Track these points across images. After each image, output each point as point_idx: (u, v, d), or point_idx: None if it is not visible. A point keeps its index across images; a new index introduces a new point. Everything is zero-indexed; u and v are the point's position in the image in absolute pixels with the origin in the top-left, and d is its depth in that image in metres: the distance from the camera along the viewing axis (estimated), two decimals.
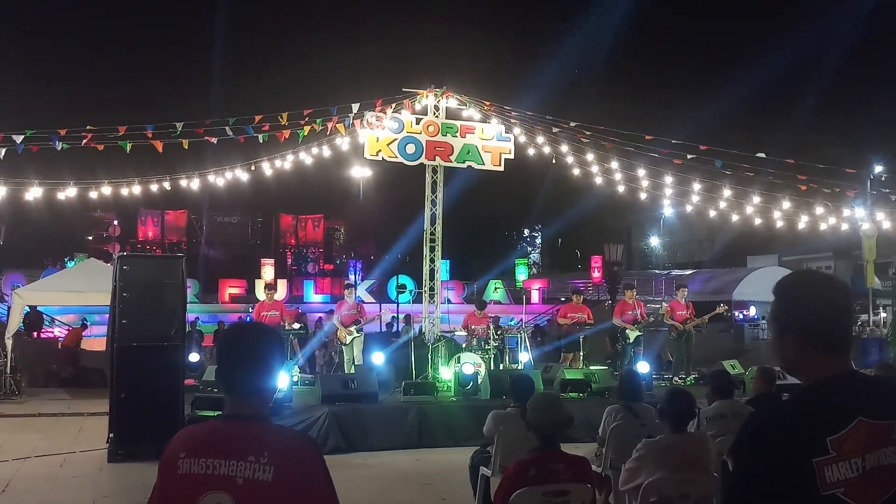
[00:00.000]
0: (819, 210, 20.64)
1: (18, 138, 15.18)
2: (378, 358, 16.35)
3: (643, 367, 16.36)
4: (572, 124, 18.57)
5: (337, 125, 17.88)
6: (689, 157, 18.62)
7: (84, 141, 16.03)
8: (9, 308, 19.89)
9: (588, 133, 18.69)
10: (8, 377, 17.46)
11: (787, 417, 2.22)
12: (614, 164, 19.59)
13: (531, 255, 63.16)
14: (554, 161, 19.49)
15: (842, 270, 34.88)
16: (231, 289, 32.42)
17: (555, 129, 18.60)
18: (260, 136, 17.45)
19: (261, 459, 2.60)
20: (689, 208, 21.52)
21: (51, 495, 9.46)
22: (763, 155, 18.87)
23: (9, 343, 17.88)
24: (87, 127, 16.03)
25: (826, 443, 2.11)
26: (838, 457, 2.11)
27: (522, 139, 18.85)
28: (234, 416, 2.74)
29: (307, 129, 17.49)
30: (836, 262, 37.53)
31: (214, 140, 17.05)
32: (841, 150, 32.64)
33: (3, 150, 15.44)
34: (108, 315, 13.10)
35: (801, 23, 54.73)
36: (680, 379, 16.85)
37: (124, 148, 16.30)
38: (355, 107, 17.39)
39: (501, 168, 18.63)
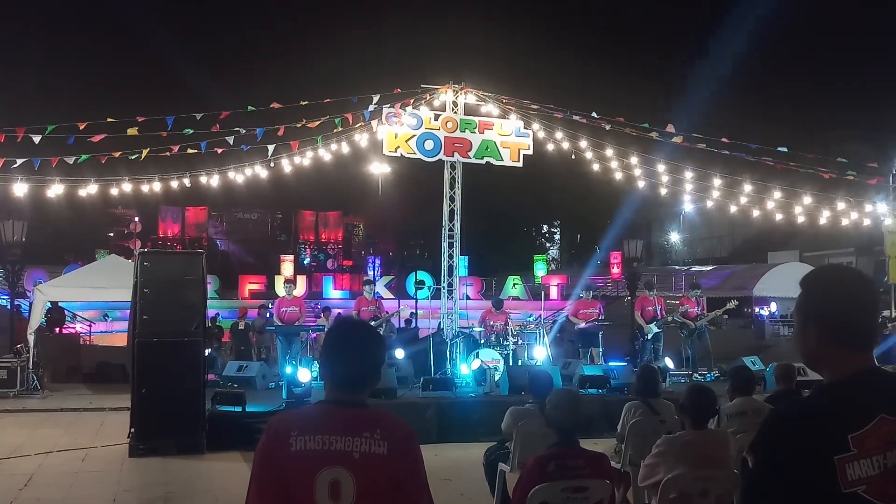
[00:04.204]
0: (841, 205, 20.49)
1: (37, 138, 15.29)
2: (398, 353, 16.39)
3: (668, 362, 16.40)
4: (594, 115, 18.50)
5: (356, 127, 17.93)
6: (709, 148, 18.55)
7: (102, 154, 16.17)
8: (31, 304, 20.05)
9: (608, 121, 18.63)
10: (30, 373, 17.63)
11: (808, 414, 2.20)
12: (634, 160, 19.52)
13: (550, 251, 63.07)
14: (573, 156, 19.43)
15: (864, 266, 34.53)
16: (251, 285, 32.56)
17: (575, 116, 18.51)
18: (270, 149, 17.50)
19: (375, 435, 2.74)
20: (709, 204, 21.41)
21: (72, 489, 9.51)
22: (785, 149, 18.73)
23: (31, 339, 18.04)
24: (108, 119, 16.11)
25: (847, 440, 2.10)
26: (860, 454, 2.09)
27: (541, 134, 18.80)
28: (338, 402, 2.85)
29: (315, 123, 17.50)
30: (857, 258, 37.17)
31: (230, 142, 17.12)
32: (862, 146, 32.32)
33: (21, 161, 15.61)
34: (129, 311, 13.17)
35: (819, 18, 54.25)
36: (700, 375, 16.79)
37: (140, 157, 16.45)
38: (375, 98, 17.42)
39: (520, 164, 18.58)
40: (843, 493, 2.08)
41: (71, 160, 15.98)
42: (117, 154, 16.40)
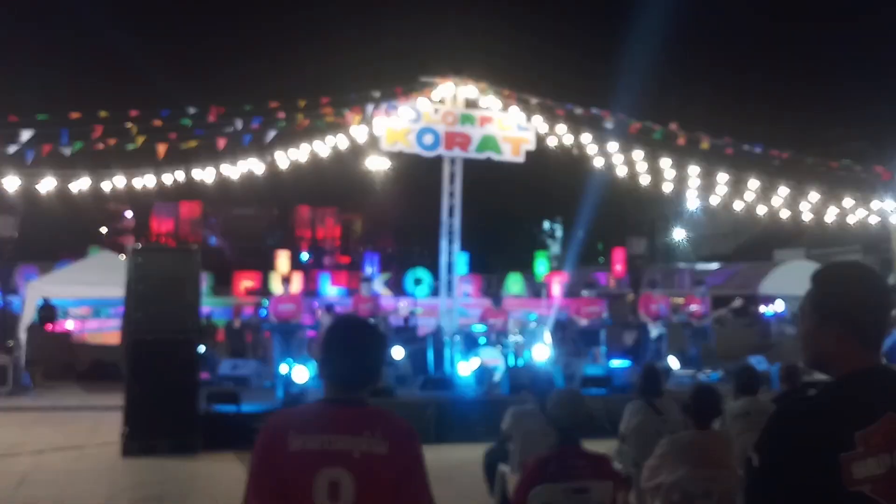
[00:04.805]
0: (847, 203, 20.44)
1: (27, 134, 15.19)
2: (396, 352, 16.29)
3: (673, 361, 16.33)
4: (594, 111, 18.42)
5: (354, 118, 17.81)
6: (712, 141, 18.53)
7: (97, 142, 16.07)
8: (23, 301, 19.96)
9: (610, 124, 18.57)
10: (23, 370, 17.49)
11: (813, 412, 2.17)
12: (637, 155, 19.39)
13: (551, 248, 62.98)
14: (575, 151, 19.31)
15: (870, 264, 34.46)
16: (246, 282, 32.38)
17: (577, 110, 18.42)
18: (271, 133, 17.40)
19: (375, 434, 2.73)
20: (714, 201, 21.30)
21: (66, 489, 9.46)
22: (787, 154, 18.75)
23: (23, 336, 17.93)
24: (100, 114, 16.02)
25: (853, 438, 2.07)
26: (865, 453, 2.06)
27: (543, 129, 18.65)
28: (338, 401, 2.84)
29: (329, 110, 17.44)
30: (864, 256, 37.09)
31: (222, 145, 17.06)
32: (866, 144, 32.27)
33: (14, 148, 15.49)
34: (122, 308, 13.06)
35: (821, 16, 54.32)
36: (704, 375, 16.70)
37: (134, 145, 16.34)
38: (375, 94, 17.34)
39: (521, 159, 18.48)
40: (848, 491, 2.04)
41: (67, 151, 15.87)
42: (112, 142, 16.26)
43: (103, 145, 16.25)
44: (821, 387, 2.26)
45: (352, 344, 2.88)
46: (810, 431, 2.09)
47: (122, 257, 17.04)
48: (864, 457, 2.06)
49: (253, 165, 18.85)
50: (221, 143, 17.27)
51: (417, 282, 22.11)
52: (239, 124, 16.83)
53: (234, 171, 18.94)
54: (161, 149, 16.57)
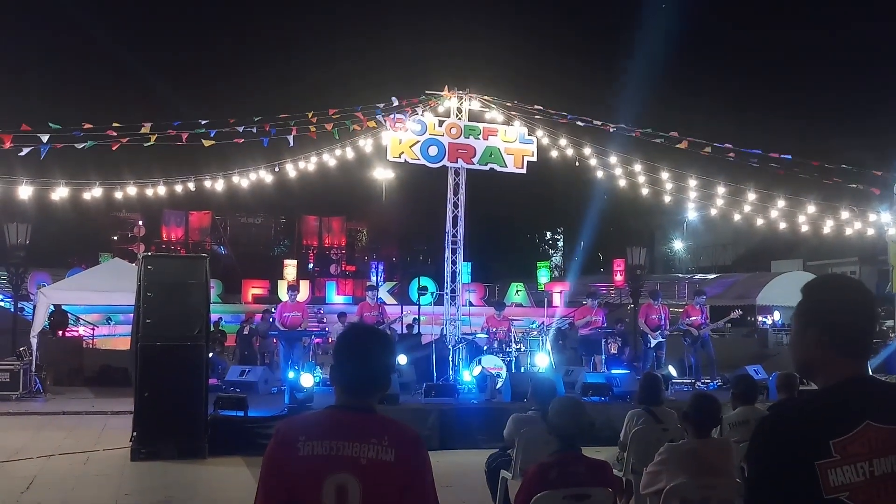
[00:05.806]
0: (844, 215, 20.48)
1: (44, 137, 15.33)
2: (400, 359, 16.37)
3: (671, 371, 16.40)
4: (596, 123, 18.57)
5: (368, 123, 17.98)
6: (714, 145, 18.62)
7: (111, 140, 16.19)
8: (34, 307, 20.07)
9: (613, 128, 18.71)
10: (33, 375, 17.63)
11: (791, 420, 2.20)
12: (638, 167, 19.52)
13: (553, 258, 62.96)
14: (577, 163, 19.46)
15: (867, 275, 34.44)
16: (254, 289, 32.55)
17: (579, 122, 18.59)
18: (290, 138, 17.58)
19: (382, 442, 2.72)
20: (713, 212, 21.42)
21: (74, 493, 9.51)
22: (789, 157, 18.78)
23: (34, 342, 18.05)
24: (113, 124, 16.16)
25: (829, 445, 2.09)
26: (842, 460, 2.09)
27: (545, 141, 18.83)
28: (348, 407, 2.84)
29: (330, 125, 17.56)
30: (861, 268, 37.11)
31: (241, 140, 17.19)
32: (865, 154, 32.26)
33: (27, 150, 15.59)
34: (132, 314, 13.18)
35: (824, 26, 54.29)
36: (703, 384, 16.78)
37: (147, 142, 16.44)
38: (380, 105, 17.52)
39: (524, 170, 18.62)
40: (826, 499, 2.07)
41: (80, 146, 15.96)
42: (125, 140, 16.37)
43: (117, 143, 16.34)
44: (805, 395, 2.35)
45: (361, 351, 2.88)
46: (788, 439, 2.13)
47: (133, 264, 17.19)
48: (840, 464, 2.08)
49: (261, 175, 19.05)
50: (238, 141, 17.37)
51: (422, 290, 22.19)
52: (252, 131, 16.98)
53: (243, 180, 19.14)
54: (183, 136, 16.65)
